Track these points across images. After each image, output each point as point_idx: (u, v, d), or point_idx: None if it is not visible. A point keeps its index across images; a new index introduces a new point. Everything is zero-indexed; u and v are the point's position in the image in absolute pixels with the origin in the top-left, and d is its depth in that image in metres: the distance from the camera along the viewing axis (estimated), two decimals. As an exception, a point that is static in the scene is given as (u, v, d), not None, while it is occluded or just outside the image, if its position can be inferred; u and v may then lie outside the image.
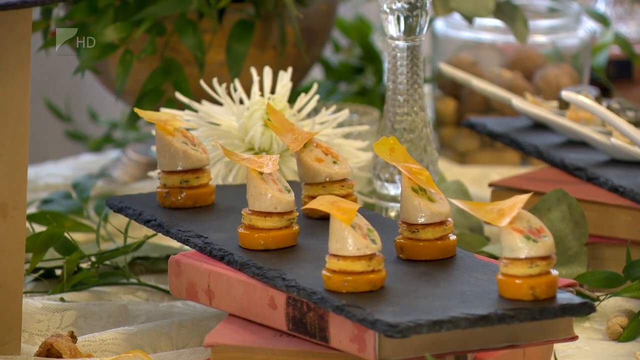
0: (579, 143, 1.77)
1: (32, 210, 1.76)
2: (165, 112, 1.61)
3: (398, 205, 1.60)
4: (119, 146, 2.12)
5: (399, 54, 1.73)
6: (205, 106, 1.72)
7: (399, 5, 1.73)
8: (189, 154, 1.54)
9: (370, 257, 1.31)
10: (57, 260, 1.62)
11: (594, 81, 2.13)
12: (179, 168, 1.53)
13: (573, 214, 1.64)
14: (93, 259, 1.61)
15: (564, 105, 1.79)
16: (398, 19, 1.72)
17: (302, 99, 1.71)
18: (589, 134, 1.74)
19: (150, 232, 1.58)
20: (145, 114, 1.55)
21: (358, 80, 2.20)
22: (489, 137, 1.93)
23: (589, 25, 2.17)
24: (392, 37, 1.71)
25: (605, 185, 1.67)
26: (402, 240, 1.40)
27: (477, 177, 1.96)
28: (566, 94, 1.75)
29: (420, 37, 1.73)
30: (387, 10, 1.71)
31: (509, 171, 1.93)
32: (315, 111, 1.75)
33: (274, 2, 2.00)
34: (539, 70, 2.09)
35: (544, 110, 1.80)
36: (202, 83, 1.75)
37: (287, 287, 1.34)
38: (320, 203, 1.32)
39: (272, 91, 1.72)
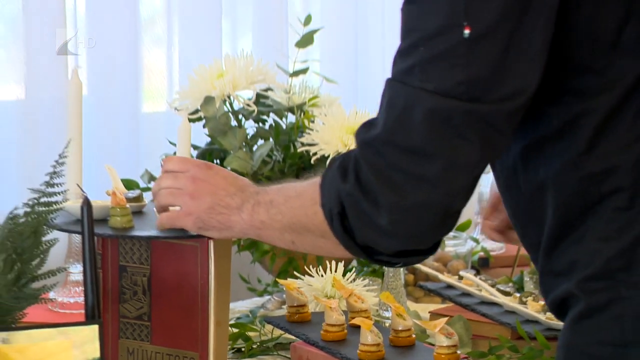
0: (468, 294, 2.10)
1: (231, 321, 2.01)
2: (292, 281, 1.99)
3: (390, 321, 1.92)
4: (269, 293, 2.35)
5: None
6: (308, 280, 2.06)
7: None
8: (300, 298, 1.92)
9: (378, 344, 1.73)
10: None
11: (472, 267, 2.47)
12: (295, 303, 1.91)
13: (465, 325, 1.99)
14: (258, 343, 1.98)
15: (461, 277, 2.15)
16: None
17: (349, 277, 2.05)
18: (473, 291, 2.10)
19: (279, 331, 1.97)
20: (282, 282, 1.98)
21: (372, 267, 2.34)
22: (428, 291, 2.24)
23: (470, 241, 2.49)
24: None
25: (479, 312, 2.03)
26: (391, 337, 1.80)
27: (423, 308, 2.21)
28: (463, 273, 2.17)
29: None
30: None
31: (437, 305, 2.23)
32: (354, 280, 2.07)
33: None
34: (449, 261, 2.41)
35: (453, 280, 2.14)
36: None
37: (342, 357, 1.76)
38: (356, 320, 1.76)
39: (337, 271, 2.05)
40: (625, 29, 1.29)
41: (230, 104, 2.30)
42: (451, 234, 2.29)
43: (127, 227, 1.75)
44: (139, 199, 1.86)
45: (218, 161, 2.24)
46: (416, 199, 1.30)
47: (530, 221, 1.41)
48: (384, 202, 1.31)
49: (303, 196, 1.44)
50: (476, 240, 2.54)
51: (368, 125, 1.35)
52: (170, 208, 1.65)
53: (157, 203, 1.65)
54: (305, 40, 2.41)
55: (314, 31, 2.43)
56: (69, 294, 2.12)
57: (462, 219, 2.14)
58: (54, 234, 1.67)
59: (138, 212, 1.82)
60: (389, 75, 1.34)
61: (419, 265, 2.28)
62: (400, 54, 1.31)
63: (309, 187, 1.44)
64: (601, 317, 1.32)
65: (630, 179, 1.30)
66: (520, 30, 1.26)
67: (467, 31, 1.24)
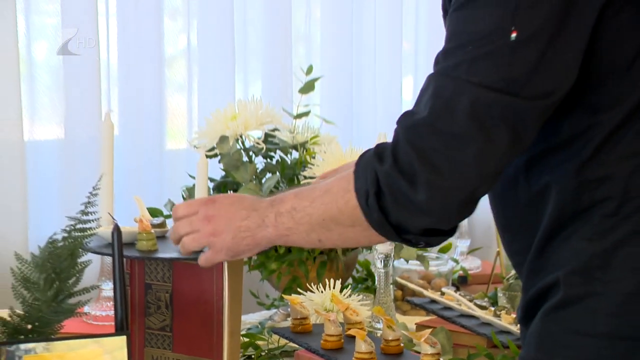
0: (449, 308, 2.09)
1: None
2: (295, 296, 1.99)
3: (381, 331, 1.89)
4: (276, 307, 2.32)
5: (381, 275, 2.09)
6: (309, 295, 2.06)
7: (382, 255, 2.07)
8: (303, 312, 1.92)
9: (370, 352, 1.72)
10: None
11: (453, 284, 2.44)
12: (298, 316, 1.91)
13: (447, 336, 1.99)
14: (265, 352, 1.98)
15: (443, 293, 2.14)
16: (381, 260, 2.08)
17: (345, 293, 2.06)
18: (454, 305, 2.09)
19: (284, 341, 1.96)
20: (287, 297, 1.97)
21: (366, 284, 2.38)
22: (414, 305, 2.22)
23: (451, 261, 2.44)
24: (378, 267, 2.10)
25: (459, 324, 2.02)
26: (382, 346, 1.80)
27: (410, 320, 2.18)
28: (445, 290, 2.17)
29: (388, 267, 2.08)
30: (378, 258, 2.08)
31: (422, 318, 2.19)
32: (350, 295, 2.07)
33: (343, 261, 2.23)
34: (433, 279, 2.38)
35: (436, 296, 2.14)
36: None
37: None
38: (352, 331, 1.76)
39: (335, 287, 2.06)
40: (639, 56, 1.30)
41: (242, 143, 2.30)
42: (434, 255, 2.37)
43: (152, 249, 1.75)
44: (162, 225, 1.86)
45: (231, 192, 2.24)
46: (453, 179, 1.28)
47: (522, 227, 1.40)
48: (423, 180, 1.28)
49: (331, 191, 1.39)
50: (456, 261, 2.53)
51: (410, 114, 1.32)
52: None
53: (184, 250, 1.57)
54: (307, 87, 2.43)
55: (315, 79, 2.45)
56: (101, 308, 2.12)
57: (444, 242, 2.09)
58: (88, 256, 1.68)
59: (161, 237, 1.82)
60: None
61: (406, 282, 2.29)
62: (446, 53, 1.30)
63: (336, 182, 1.40)
64: (577, 308, 1.31)
65: (620, 189, 1.30)
66: (559, 39, 1.26)
67: (513, 35, 1.24)
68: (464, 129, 1.26)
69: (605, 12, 1.28)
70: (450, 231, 1.37)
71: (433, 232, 1.35)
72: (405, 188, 1.29)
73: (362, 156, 1.37)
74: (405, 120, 1.32)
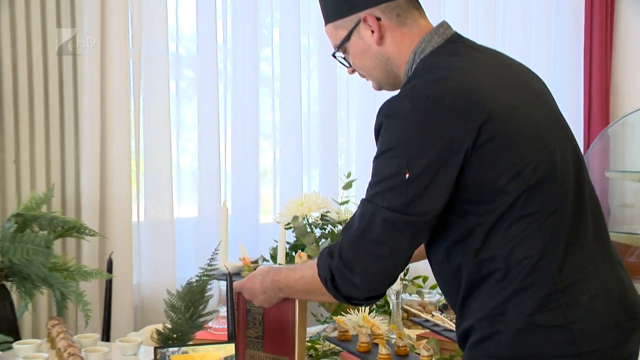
0: (437, 324, 1.98)
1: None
2: (340, 317, 1.91)
3: (395, 340, 1.80)
4: (328, 323, 2.13)
5: (394, 303, 2.00)
6: (349, 316, 1.97)
7: (394, 291, 1.99)
8: (345, 327, 1.84)
9: (388, 354, 1.68)
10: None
11: (439, 309, 2.22)
12: (342, 329, 1.84)
13: (437, 343, 1.89)
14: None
15: (433, 315, 2.06)
16: (394, 294, 1.99)
17: (371, 315, 1.99)
18: (440, 323, 1.99)
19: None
20: (335, 317, 1.91)
21: (384, 309, 2.20)
22: (415, 323, 2.12)
23: (438, 294, 2.23)
24: (392, 298, 2.02)
25: (444, 335, 1.93)
26: (395, 350, 1.75)
27: (412, 333, 2.05)
28: (434, 313, 2.09)
29: (398, 299, 2.00)
30: (392, 293, 1.98)
31: (420, 331, 2.05)
32: (374, 316, 2.01)
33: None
34: (427, 306, 2.22)
35: (429, 317, 2.07)
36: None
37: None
38: (376, 340, 1.73)
39: (365, 312, 2.01)
40: (512, 181, 1.23)
41: (307, 220, 2.26)
42: (427, 290, 2.28)
43: None
44: (256, 262, 1.87)
45: (300, 251, 2.18)
46: (377, 268, 1.26)
47: (452, 288, 1.34)
48: (357, 270, 1.26)
49: (305, 277, 1.38)
50: (440, 294, 2.37)
51: (348, 227, 1.29)
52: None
53: (247, 296, 1.58)
54: (347, 185, 2.39)
55: (352, 181, 2.41)
56: (219, 323, 2.06)
57: (432, 281, 2.13)
58: (211, 292, 1.64)
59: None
60: None
61: (409, 308, 2.21)
62: (371, 186, 1.27)
63: (307, 270, 1.37)
64: (490, 342, 1.26)
65: (504, 263, 1.25)
66: (435, 179, 1.22)
67: (407, 175, 1.21)
68: (379, 237, 1.24)
69: (471, 155, 1.22)
70: (380, 296, 1.33)
71: (370, 298, 1.32)
72: (348, 275, 1.27)
73: (321, 253, 1.34)
74: (346, 233, 1.29)
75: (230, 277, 1.59)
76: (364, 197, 1.28)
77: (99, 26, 2.05)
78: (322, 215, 2.29)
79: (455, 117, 1.20)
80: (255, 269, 1.74)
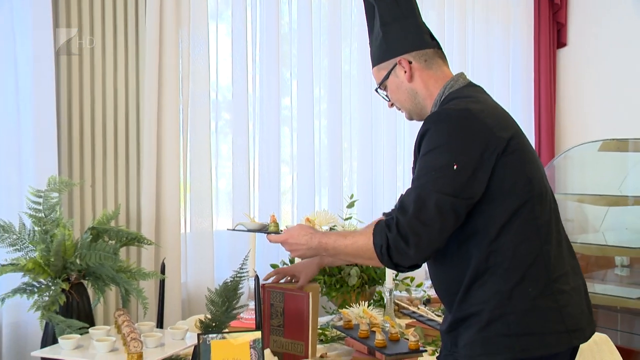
0: (422, 315, 1.94)
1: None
2: (345, 309, 1.87)
3: (388, 328, 1.81)
4: (335, 314, 2.08)
5: (388, 298, 1.94)
6: (352, 309, 1.88)
7: (388, 288, 1.92)
8: (349, 317, 1.80)
9: (383, 339, 1.63)
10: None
11: (423, 302, 2.20)
12: (346, 319, 1.79)
13: (422, 330, 1.86)
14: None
15: (418, 307, 2.05)
16: (388, 291, 1.92)
17: (370, 308, 1.89)
18: (424, 314, 1.97)
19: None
20: (341, 310, 1.88)
21: (380, 303, 2.10)
22: (404, 314, 2.06)
23: (422, 291, 2.22)
24: (386, 294, 1.94)
25: (427, 324, 1.87)
26: (389, 336, 1.69)
27: (402, 322, 1.97)
28: (420, 306, 2.07)
29: (391, 294, 1.93)
30: (386, 290, 1.93)
31: (408, 320, 2.00)
32: (372, 309, 1.91)
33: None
34: (413, 300, 2.19)
35: (415, 309, 2.02)
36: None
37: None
38: (373, 327, 1.68)
39: (365, 305, 1.90)
40: (524, 187, 1.24)
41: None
42: (414, 288, 2.21)
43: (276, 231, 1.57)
44: (277, 226, 1.60)
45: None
46: (427, 240, 1.23)
47: (452, 282, 1.29)
48: (412, 242, 1.22)
49: (357, 243, 1.29)
50: (424, 291, 2.33)
51: (402, 209, 1.24)
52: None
53: (288, 247, 1.45)
54: (350, 205, 2.34)
55: (354, 201, 2.37)
56: (249, 314, 2.02)
57: (418, 280, 2.13)
58: (242, 290, 1.62)
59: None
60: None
61: (400, 302, 2.15)
62: (419, 177, 1.24)
63: (359, 237, 1.29)
64: (498, 323, 1.23)
65: (511, 254, 1.23)
66: (476, 172, 1.22)
67: (455, 167, 1.21)
68: (432, 216, 1.22)
69: (499, 161, 1.23)
70: (420, 265, 1.30)
71: (411, 267, 1.30)
72: (403, 246, 1.23)
73: (376, 225, 1.28)
74: (401, 213, 1.25)
75: (257, 279, 1.59)
76: (413, 186, 1.25)
77: (156, 79, 2.11)
78: (330, 228, 2.18)
79: (489, 129, 1.23)
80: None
